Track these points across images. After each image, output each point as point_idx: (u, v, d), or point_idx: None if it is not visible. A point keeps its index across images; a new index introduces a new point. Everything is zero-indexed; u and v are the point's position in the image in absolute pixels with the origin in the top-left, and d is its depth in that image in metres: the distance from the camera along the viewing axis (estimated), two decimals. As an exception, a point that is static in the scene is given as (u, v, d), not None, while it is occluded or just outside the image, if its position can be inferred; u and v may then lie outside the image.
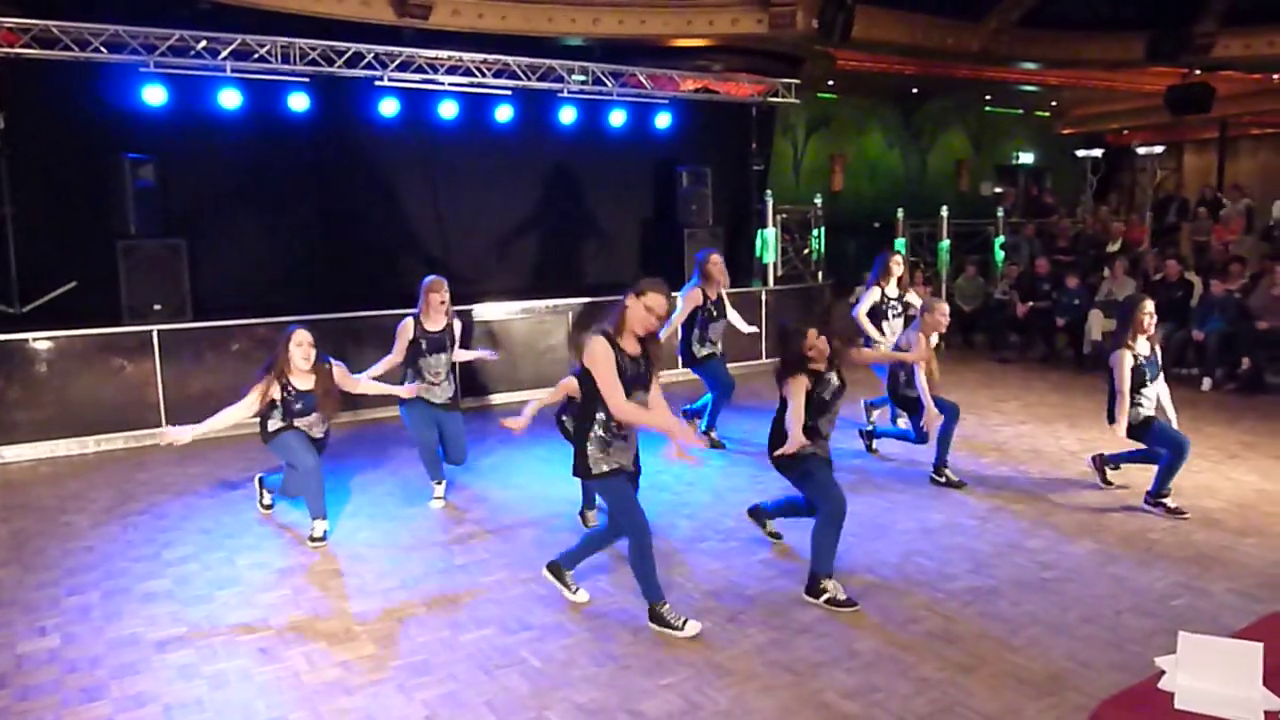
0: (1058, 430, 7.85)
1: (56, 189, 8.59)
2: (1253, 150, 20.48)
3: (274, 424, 5.49)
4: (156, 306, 8.10)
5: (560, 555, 4.67)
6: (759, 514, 5.40)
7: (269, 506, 6.08)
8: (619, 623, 4.38)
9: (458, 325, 6.36)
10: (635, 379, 4.17)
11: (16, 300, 8.16)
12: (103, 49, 8.24)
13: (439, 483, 6.32)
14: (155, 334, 8.03)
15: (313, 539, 5.49)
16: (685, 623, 4.24)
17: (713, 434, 7.60)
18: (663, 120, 11.41)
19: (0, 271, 8.17)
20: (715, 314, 7.41)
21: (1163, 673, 2.40)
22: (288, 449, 5.45)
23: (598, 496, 5.73)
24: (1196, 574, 4.85)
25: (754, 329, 7.81)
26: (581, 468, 4.27)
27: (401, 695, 3.75)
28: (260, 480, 6.12)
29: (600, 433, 4.20)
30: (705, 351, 7.42)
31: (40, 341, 7.70)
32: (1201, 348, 9.83)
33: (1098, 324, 10.97)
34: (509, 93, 10.25)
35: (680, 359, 7.59)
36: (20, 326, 7.87)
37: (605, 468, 4.24)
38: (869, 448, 7.33)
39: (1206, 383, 9.69)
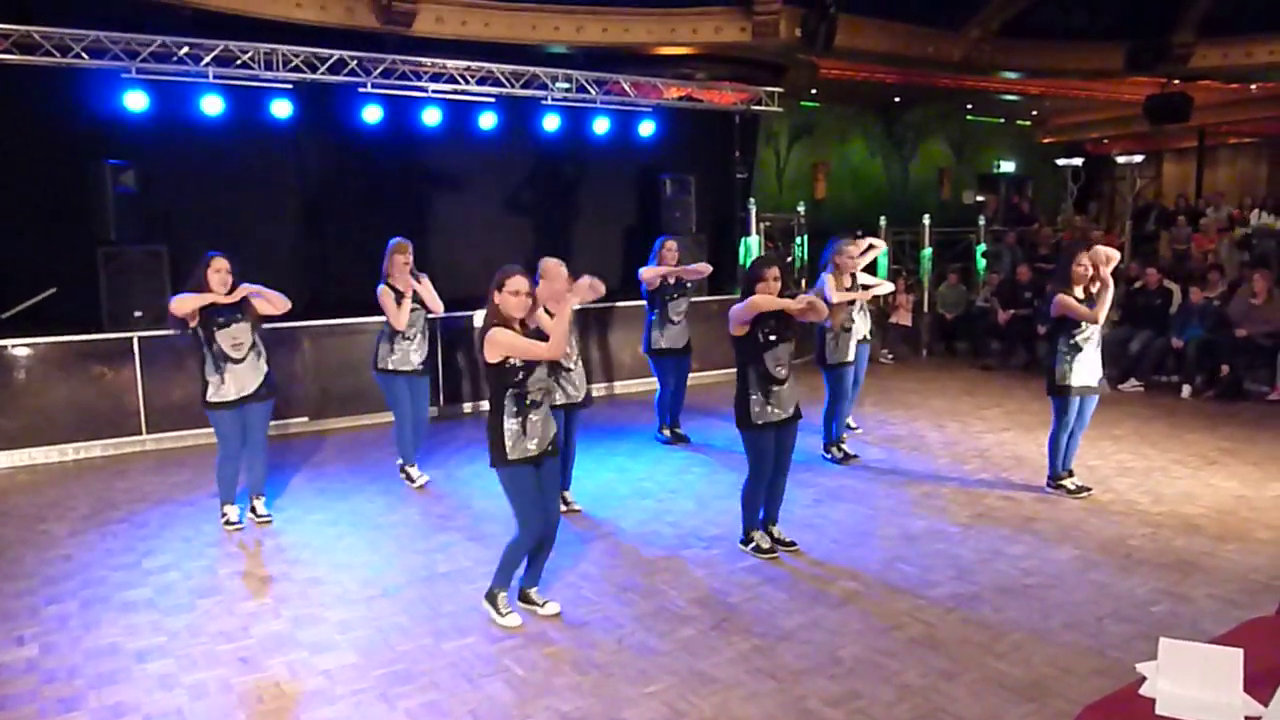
0: (1039, 437, 7.87)
1: (37, 194, 8.51)
2: (1230, 159, 20.70)
3: (211, 392, 5.64)
4: (137, 313, 8.03)
5: (521, 580, 4.63)
6: (765, 528, 5.41)
7: (266, 518, 6.02)
8: (602, 631, 4.37)
9: (425, 283, 6.69)
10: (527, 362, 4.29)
11: (-5, 306, 8.10)
12: (84, 55, 8.18)
13: (413, 465, 6.83)
14: (136, 341, 7.98)
15: (227, 523, 5.83)
16: (509, 613, 4.45)
17: (667, 430, 8.02)
18: (646, 128, 11.41)
19: (-21, 278, 8.11)
20: (675, 293, 7.80)
21: (1144, 679, 2.41)
22: (219, 428, 5.73)
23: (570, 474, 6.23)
24: (1177, 580, 4.88)
25: (707, 267, 8.34)
26: (498, 456, 4.29)
27: (384, 704, 3.73)
28: (255, 498, 6.07)
29: (516, 417, 4.26)
30: (664, 345, 7.75)
31: (19, 348, 7.63)
32: (1181, 355, 9.91)
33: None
34: (492, 100, 10.23)
35: (643, 343, 7.98)
36: (-2, 333, 7.81)
37: (518, 455, 4.27)
38: (845, 458, 7.35)
39: (1186, 390, 9.78)
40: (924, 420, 8.82)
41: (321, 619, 4.55)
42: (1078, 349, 6.09)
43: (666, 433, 8.00)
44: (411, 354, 6.62)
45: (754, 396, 5.05)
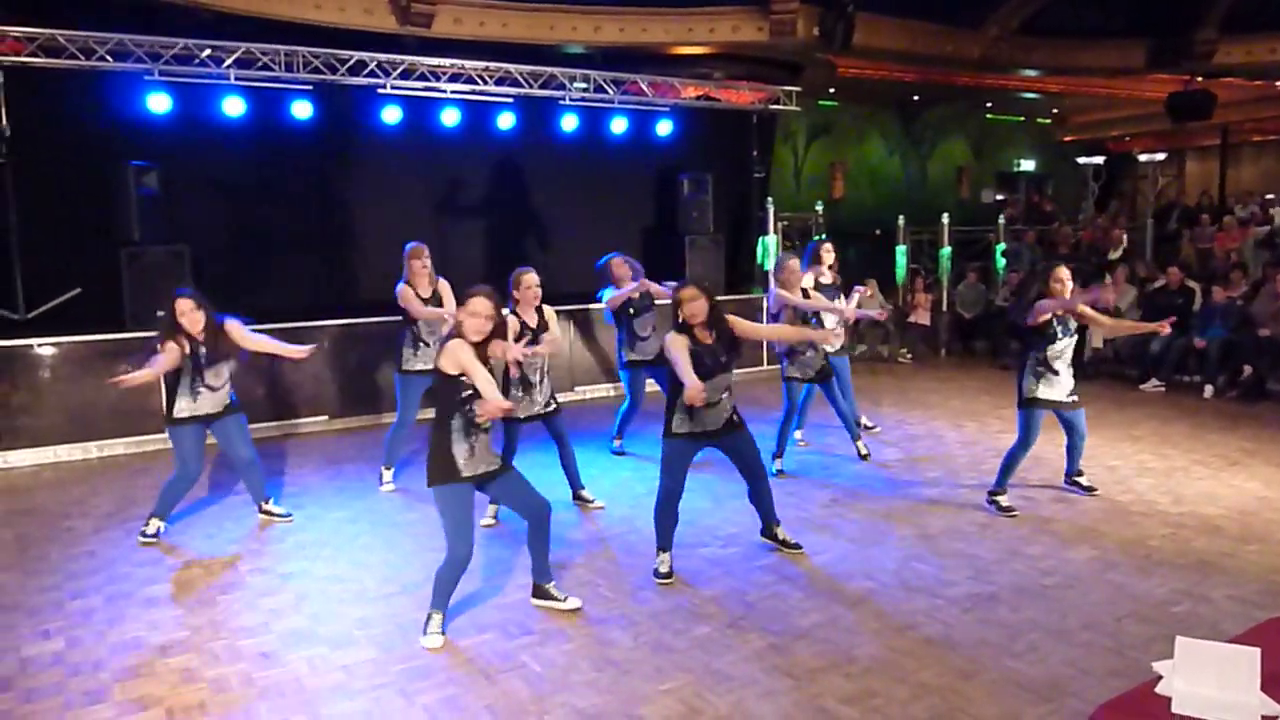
0: (1057, 437, 7.79)
1: (61, 196, 8.63)
2: (1254, 157, 20.51)
3: (181, 409, 5.57)
4: (159, 313, 8.06)
5: (533, 575, 4.68)
6: (768, 532, 5.40)
7: (287, 515, 6.10)
8: (619, 628, 4.39)
9: (444, 286, 6.66)
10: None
11: (21, 306, 8.19)
12: (108, 57, 8.29)
13: (389, 469, 6.80)
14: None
15: (144, 535, 5.65)
16: (431, 637, 4.26)
17: (619, 441, 7.70)
18: (664, 128, 11.45)
19: (4, 278, 8.21)
20: (639, 308, 7.42)
21: (1160, 677, 2.41)
22: (180, 446, 5.62)
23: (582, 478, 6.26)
24: (1197, 581, 4.85)
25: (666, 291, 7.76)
26: (443, 475, 4.21)
27: (403, 699, 3.77)
28: (264, 503, 6.11)
29: (466, 439, 4.20)
30: (634, 356, 7.45)
31: (44, 347, 7.74)
32: (1203, 355, 9.84)
33: (1098, 331, 10.97)
34: (511, 100, 10.28)
35: (617, 359, 7.67)
36: (24, 333, 7.91)
37: (470, 473, 4.24)
38: (862, 456, 7.37)
39: (1208, 390, 9.70)
40: (942, 420, 8.79)
41: (341, 615, 4.59)
42: (1049, 368, 5.87)
43: (618, 443, 7.70)
44: (432, 357, 6.63)
45: (677, 415, 4.93)
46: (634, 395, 7.56)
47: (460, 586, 4.87)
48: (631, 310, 7.40)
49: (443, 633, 4.29)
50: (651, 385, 7.70)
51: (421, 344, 6.60)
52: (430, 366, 6.56)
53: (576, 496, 6.23)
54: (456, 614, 4.56)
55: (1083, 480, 6.42)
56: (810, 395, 7.47)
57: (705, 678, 3.90)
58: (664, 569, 4.99)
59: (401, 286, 6.54)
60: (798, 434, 7.79)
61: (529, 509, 4.52)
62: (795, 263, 7.07)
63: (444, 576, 4.32)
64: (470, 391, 4.14)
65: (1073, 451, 6.36)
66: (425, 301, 6.53)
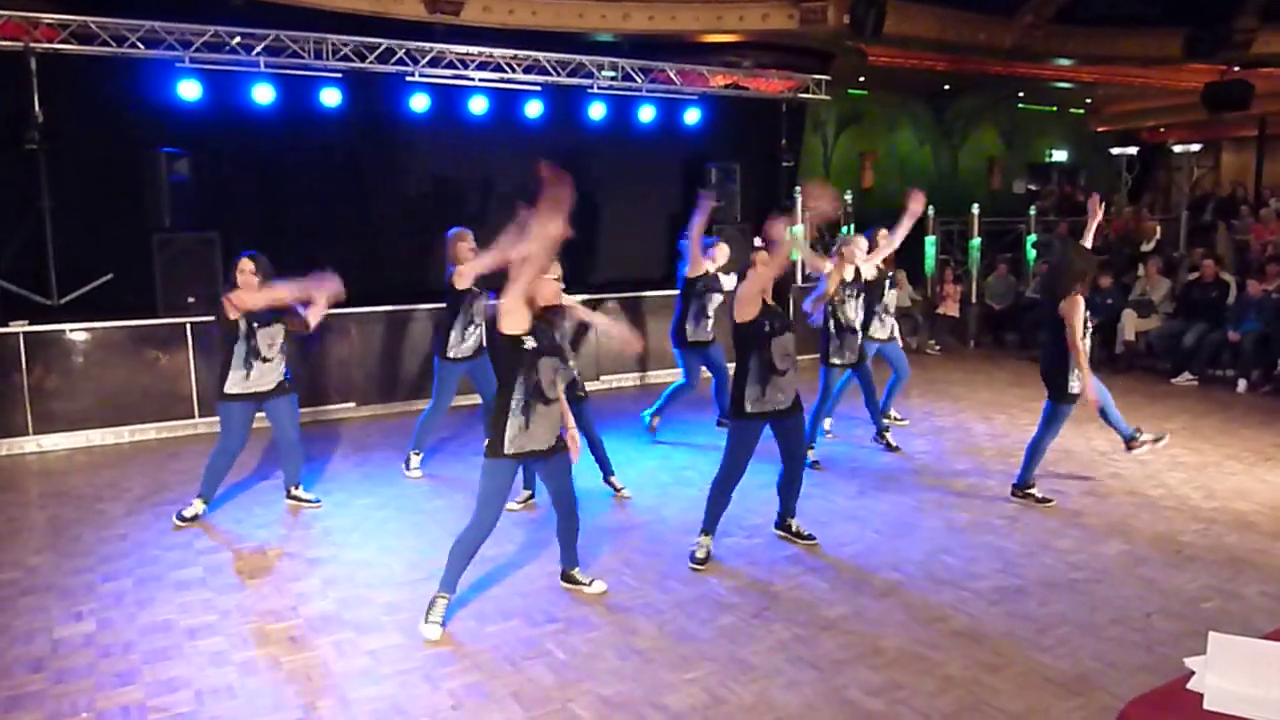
0: (1088, 430, 7.77)
1: (93, 182, 8.70)
2: (1292, 149, 20.10)
3: (232, 384, 5.59)
4: (190, 299, 8.18)
5: (561, 561, 4.74)
6: (783, 524, 5.40)
7: (315, 501, 6.15)
8: (644, 617, 4.39)
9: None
10: (550, 348, 4.26)
11: (54, 292, 8.29)
12: (139, 44, 8.36)
13: (418, 454, 6.81)
14: (189, 326, 8.14)
15: (181, 517, 5.71)
16: (434, 623, 4.22)
17: (655, 420, 7.71)
18: (692, 116, 11.39)
19: (38, 263, 8.30)
20: (713, 288, 7.37)
21: (1192, 673, 2.38)
22: (228, 422, 5.65)
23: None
24: (1229, 577, 4.79)
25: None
26: (494, 448, 4.20)
27: (428, 684, 3.79)
28: (294, 488, 6.16)
29: (523, 410, 4.17)
30: (699, 336, 7.38)
31: (76, 333, 7.84)
32: (1237, 349, 9.69)
33: (1131, 324, 10.85)
34: (539, 88, 10.27)
35: (671, 337, 7.54)
36: (57, 318, 8.01)
37: (514, 450, 4.20)
38: (889, 446, 7.34)
39: (1242, 384, 9.56)
40: (970, 412, 8.72)
41: (368, 600, 4.63)
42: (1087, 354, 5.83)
43: (656, 421, 7.71)
44: (473, 341, 6.62)
45: (750, 392, 4.86)
46: (690, 376, 7.51)
47: (486, 572, 4.91)
48: (703, 288, 7.32)
49: (443, 624, 4.25)
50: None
51: (472, 326, 6.55)
52: (474, 351, 6.61)
53: (607, 481, 6.24)
54: (482, 600, 4.59)
55: (1035, 492, 6.11)
56: (846, 384, 7.37)
57: (729, 667, 3.90)
58: (700, 554, 4.99)
59: (455, 269, 6.48)
60: (826, 423, 7.76)
61: (560, 498, 4.52)
62: (862, 241, 7.13)
63: (459, 550, 4.32)
64: (535, 351, 4.15)
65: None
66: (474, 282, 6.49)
